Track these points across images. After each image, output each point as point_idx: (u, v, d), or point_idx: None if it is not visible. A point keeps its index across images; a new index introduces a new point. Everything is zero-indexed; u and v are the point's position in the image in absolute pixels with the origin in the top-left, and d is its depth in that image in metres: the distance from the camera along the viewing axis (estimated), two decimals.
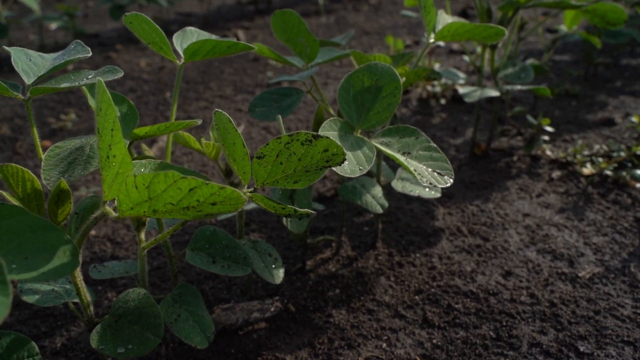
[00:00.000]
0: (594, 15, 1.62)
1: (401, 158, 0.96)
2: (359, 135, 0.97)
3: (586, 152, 1.67)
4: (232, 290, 1.18)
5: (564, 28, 2.00)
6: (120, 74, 0.77)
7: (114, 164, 0.63)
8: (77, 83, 0.73)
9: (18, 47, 0.85)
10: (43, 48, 3.02)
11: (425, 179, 0.93)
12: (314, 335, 1.04)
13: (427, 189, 1.19)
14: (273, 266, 0.98)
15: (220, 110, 0.76)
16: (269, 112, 1.07)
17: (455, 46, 2.92)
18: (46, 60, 0.84)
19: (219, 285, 1.19)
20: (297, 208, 0.76)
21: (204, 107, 2.26)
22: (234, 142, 0.74)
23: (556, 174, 1.60)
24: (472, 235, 1.35)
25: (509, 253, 1.28)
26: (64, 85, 0.74)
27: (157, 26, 0.91)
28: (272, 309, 1.08)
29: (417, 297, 1.15)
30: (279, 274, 0.98)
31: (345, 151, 0.74)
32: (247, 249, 0.98)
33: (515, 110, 1.77)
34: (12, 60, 0.80)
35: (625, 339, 1.02)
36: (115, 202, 0.69)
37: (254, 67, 2.74)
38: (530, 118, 1.64)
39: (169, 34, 3.49)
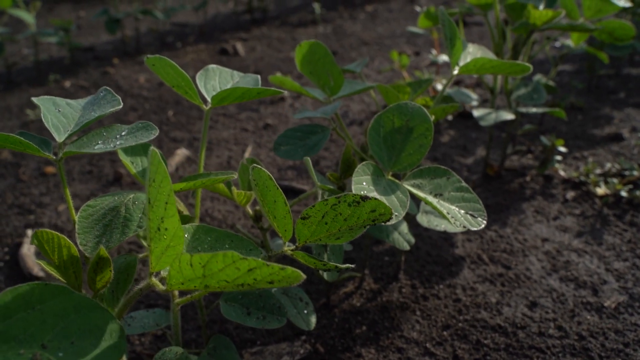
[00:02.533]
0: (602, 32, 1.62)
1: (434, 201, 0.94)
2: (390, 178, 0.95)
3: (598, 171, 1.67)
4: (257, 329, 1.16)
5: (570, 43, 2.00)
6: (155, 133, 0.75)
7: (165, 236, 0.61)
8: (111, 145, 0.71)
9: (46, 97, 0.82)
10: (38, 64, 2.97)
11: (458, 222, 0.92)
12: None
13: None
14: (305, 311, 0.97)
15: (259, 166, 0.74)
16: (294, 150, 1.05)
17: None
18: (75, 110, 0.82)
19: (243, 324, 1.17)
20: (338, 265, 0.75)
21: (209, 127, 2.23)
22: (275, 199, 0.73)
23: (570, 194, 1.60)
24: (494, 263, 1.34)
25: (532, 282, 1.27)
26: (99, 146, 0.71)
27: (181, 70, 0.89)
28: (302, 351, 1.06)
29: (445, 332, 1.14)
30: (312, 320, 0.96)
31: (390, 209, 0.72)
32: (279, 295, 0.96)
33: (525, 128, 1.77)
34: (42, 115, 0.77)
35: None
36: (162, 272, 0.67)
37: None
38: (544, 139, 1.63)
39: (165, 45, 3.46)
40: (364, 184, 0.90)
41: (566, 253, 1.36)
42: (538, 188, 1.65)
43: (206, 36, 3.65)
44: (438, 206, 0.92)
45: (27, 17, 2.68)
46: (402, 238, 1.12)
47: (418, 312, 1.19)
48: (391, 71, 2.74)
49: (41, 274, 1.36)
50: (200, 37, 3.64)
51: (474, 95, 1.65)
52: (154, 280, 0.65)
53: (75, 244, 0.73)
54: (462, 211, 0.95)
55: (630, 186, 1.56)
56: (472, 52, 1.21)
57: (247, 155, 1.98)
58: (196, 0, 4.55)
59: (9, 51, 3.42)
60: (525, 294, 1.24)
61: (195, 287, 0.62)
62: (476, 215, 0.95)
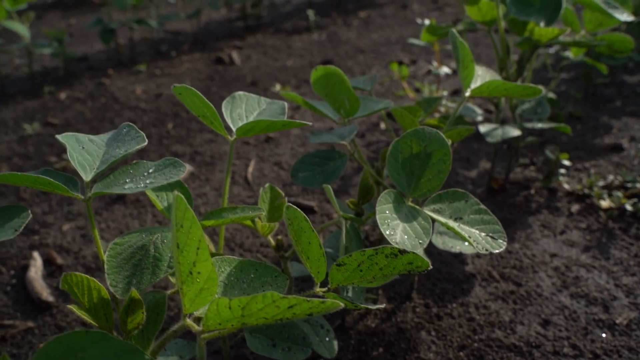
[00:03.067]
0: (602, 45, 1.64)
1: (454, 225, 0.95)
2: (410, 204, 0.96)
3: (601, 183, 1.69)
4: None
5: (569, 54, 2.02)
6: (183, 171, 0.74)
7: (198, 280, 0.61)
8: (142, 184, 0.71)
9: (69, 134, 0.81)
10: (32, 75, 2.94)
11: (480, 246, 0.93)
12: None
13: (466, 244, 1.19)
14: (327, 339, 0.97)
15: (293, 206, 0.74)
16: (313, 177, 1.05)
17: (448, 70, 2.92)
18: (98, 147, 0.81)
19: None
20: (369, 306, 0.75)
21: (210, 140, 2.22)
22: (310, 241, 0.72)
23: (575, 207, 1.62)
24: (504, 280, 1.35)
25: (543, 299, 1.28)
26: (129, 186, 0.71)
27: (207, 101, 0.89)
28: None
29: (461, 353, 1.14)
30: (334, 347, 0.96)
31: (427, 262, 0.73)
32: (302, 324, 0.96)
33: (528, 140, 1.78)
34: (67, 153, 0.76)
35: None
36: (195, 312, 0.66)
37: (252, 92, 2.72)
38: (548, 153, 1.65)
39: (160, 54, 3.44)
40: (387, 212, 0.91)
41: (575, 268, 1.38)
42: (543, 201, 1.66)
43: (200, 44, 3.63)
44: (460, 230, 0.93)
45: (22, 29, 2.65)
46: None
47: (433, 333, 1.20)
48: (390, 81, 2.75)
49: (50, 298, 1.35)
50: (195, 45, 3.63)
51: (478, 110, 1.67)
52: (189, 322, 0.65)
53: (104, 283, 0.72)
54: (483, 234, 0.96)
55: (635, 199, 1.58)
56: (481, 75, 1.22)
57: (250, 169, 1.97)
58: (190, 7, 4.53)
59: (2, 61, 3.38)
60: (537, 311, 1.25)
61: (232, 326, 0.62)
62: (496, 237, 0.96)
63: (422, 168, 0.97)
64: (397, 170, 0.97)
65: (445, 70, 2.10)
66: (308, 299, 0.57)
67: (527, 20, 1.48)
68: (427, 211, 0.95)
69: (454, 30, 1.16)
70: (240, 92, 1.01)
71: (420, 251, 1.05)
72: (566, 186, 1.69)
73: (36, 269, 1.45)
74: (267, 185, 0.94)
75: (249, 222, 0.94)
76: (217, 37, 3.81)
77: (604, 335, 1.18)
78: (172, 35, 3.93)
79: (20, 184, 0.72)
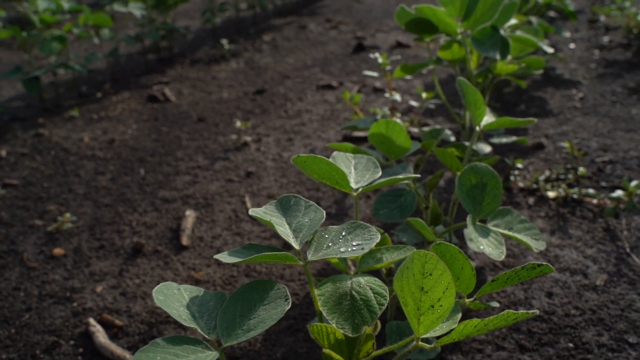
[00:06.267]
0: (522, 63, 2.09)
1: (510, 233, 1.27)
2: (479, 223, 1.25)
3: (542, 178, 2.14)
4: None
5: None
6: (374, 233, 0.95)
7: (438, 311, 0.84)
8: (349, 249, 0.91)
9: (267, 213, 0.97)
10: None
11: (532, 245, 1.26)
12: None
13: (486, 247, 1.52)
14: None
15: (444, 242, 0.99)
16: (391, 213, 1.30)
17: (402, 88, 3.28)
18: (279, 218, 0.98)
19: None
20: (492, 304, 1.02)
21: (192, 182, 2.32)
22: (463, 267, 0.98)
23: (531, 200, 2.04)
24: (507, 267, 1.70)
25: (541, 277, 1.66)
26: (344, 249, 0.90)
27: (337, 166, 1.09)
28: None
29: (504, 330, 1.46)
30: None
31: (551, 267, 1.02)
32: None
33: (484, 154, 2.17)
34: (276, 228, 0.93)
35: None
36: (424, 335, 0.89)
37: (205, 129, 2.83)
38: (507, 159, 2.05)
39: (85, 97, 3.39)
40: (470, 232, 1.19)
41: (552, 249, 1.78)
42: (506, 199, 2.06)
43: (121, 82, 3.60)
44: (516, 236, 1.25)
45: None
46: None
47: None
48: (341, 105, 3.03)
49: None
50: (115, 83, 3.59)
51: (448, 132, 2.02)
52: (421, 343, 0.87)
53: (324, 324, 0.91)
54: (528, 237, 1.29)
55: (576, 188, 2.04)
56: (485, 113, 1.55)
57: (249, 205, 2.14)
58: (106, 47, 4.39)
59: None
60: (540, 287, 1.62)
61: (464, 337, 0.86)
62: (537, 239, 1.29)
63: (481, 195, 1.27)
64: (464, 199, 1.26)
65: (396, 97, 2.43)
66: (528, 312, 0.83)
67: (486, 55, 1.85)
68: (491, 227, 1.26)
69: (463, 79, 1.47)
70: (336, 153, 1.22)
71: (499, 255, 1.35)
72: (520, 184, 2.12)
73: (101, 334, 1.50)
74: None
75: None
76: (136, 73, 3.80)
77: (591, 295, 1.58)
78: (93, 74, 3.82)
79: (262, 261, 0.88)
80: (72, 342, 1.51)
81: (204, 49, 4.30)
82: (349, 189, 1.12)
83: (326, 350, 0.88)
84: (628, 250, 1.75)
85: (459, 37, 1.85)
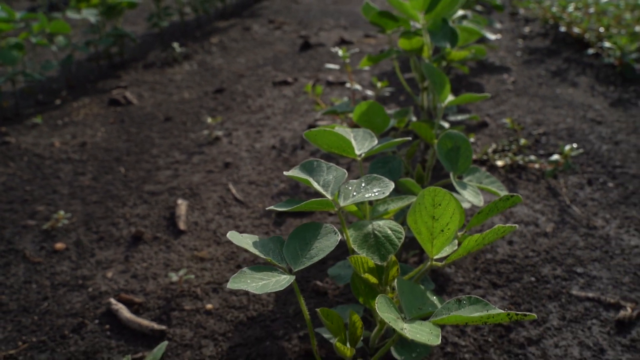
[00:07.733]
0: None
1: (482, 185, 1.53)
2: (456, 179, 1.51)
3: (490, 150, 2.45)
4: None
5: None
6: (388, 184, 1.17)
7: (446, 234, 1.07)
8: (368, 194, 1.12)
9: (305, 170, 1.17)
10: None
11: (501, 193, 1.53)
12: None
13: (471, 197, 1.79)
14: None
15: (435, 186, 1.22)
16: (383, 175, 1.53)
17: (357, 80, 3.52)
18: (336, 177, 1.19)
19: None
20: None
21: (174, 175, 2.46)
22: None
23: (483, 169, 2.34)
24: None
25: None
26: (369, 194, 1.12)
27: (343, 135, 1.31)
28: None
29: (477, 272, 1.74)
30: None
31: (520, 198, 1.28)
32: None
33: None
34: (312, 184, 1.13)
35: (595, 255, 1.77)
36: (437, 256, 1.12)
37: (174, 127, 2.96)
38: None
39: (44, 104, 3.41)
40: (455, 185, 1.44)
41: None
42: None
43: (78, 88, 3.63)
44: (490, 187, 1.52)
45: None
46: None
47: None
48: (302, 98, 3.23)
49: (162, 326, 1.57)
50: (72, 90, 3.62)
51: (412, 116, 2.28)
52: (435, 262, 1.10)
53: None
54: (495, 188, 1.56)
55: (520, 156, 2.36)
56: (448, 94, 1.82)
57: (234, 192, 2.31)
58: (59, 55, 4.36)
59: None
60: (502, 237, 1.90)
61: (467, 253, 1.10)
62: (502, 189, 1.57)
63: (456, 156, 1.53)
64: (443, 159, 1.51)
65: (356, 87, 2.67)
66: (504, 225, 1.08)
67: (438, 45, 2.13)
68: (466, 181, 1.52)
69: (429, 63, 1.73)
70: (340, 127, 1.43)
71: (479, 202, 1.61)
72: (473, 156, 2.42)
73: (125, 310, 1.63)
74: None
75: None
76: (91, 79, 3.83)
77: (543, 240, 1.88)
78: (49, 82, 3.80)
79: (308, 208, 1.07)
80: (96, 322, 1.63)
81: (154, 53, 4.37)
82: (354, 155, 1.34)
83: (364, 275, 1.09)
84: (568, 203, 2.08)
85: (422, 28, 2.12)
